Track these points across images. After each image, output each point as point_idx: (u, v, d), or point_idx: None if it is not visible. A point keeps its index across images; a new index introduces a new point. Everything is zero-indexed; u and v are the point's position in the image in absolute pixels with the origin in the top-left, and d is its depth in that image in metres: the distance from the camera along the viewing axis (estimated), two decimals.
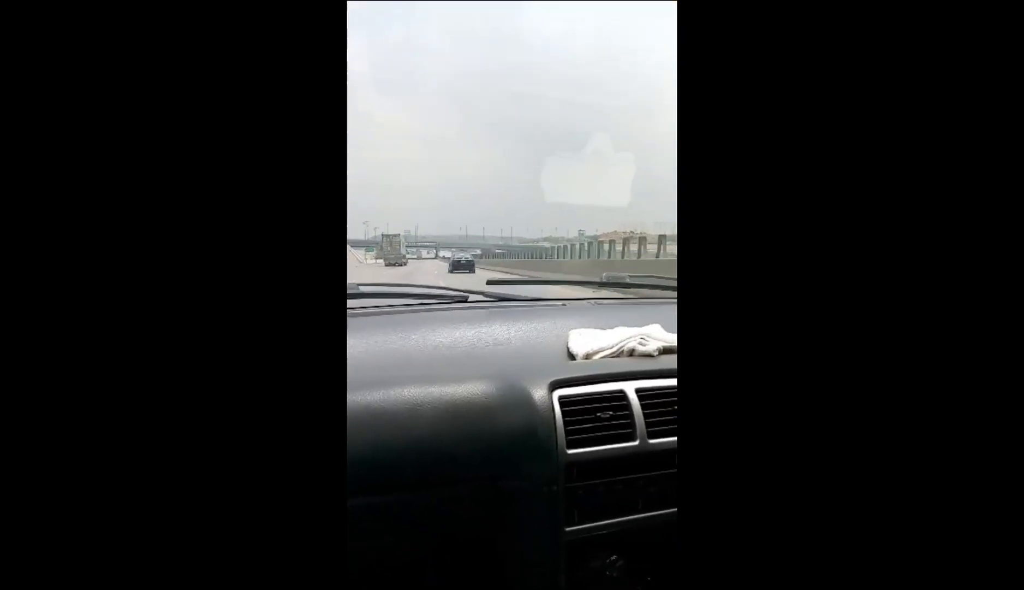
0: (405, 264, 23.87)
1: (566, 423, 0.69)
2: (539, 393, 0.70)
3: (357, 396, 0.64)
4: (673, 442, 0.72)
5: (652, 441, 0.71)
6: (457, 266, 18.59)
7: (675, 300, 1.22)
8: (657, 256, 12.04)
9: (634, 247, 13.65)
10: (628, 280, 1.32)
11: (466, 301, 1.09)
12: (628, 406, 0.72)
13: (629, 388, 0.74)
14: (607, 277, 1.36)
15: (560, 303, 1.15)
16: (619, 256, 13.68)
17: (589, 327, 0.92)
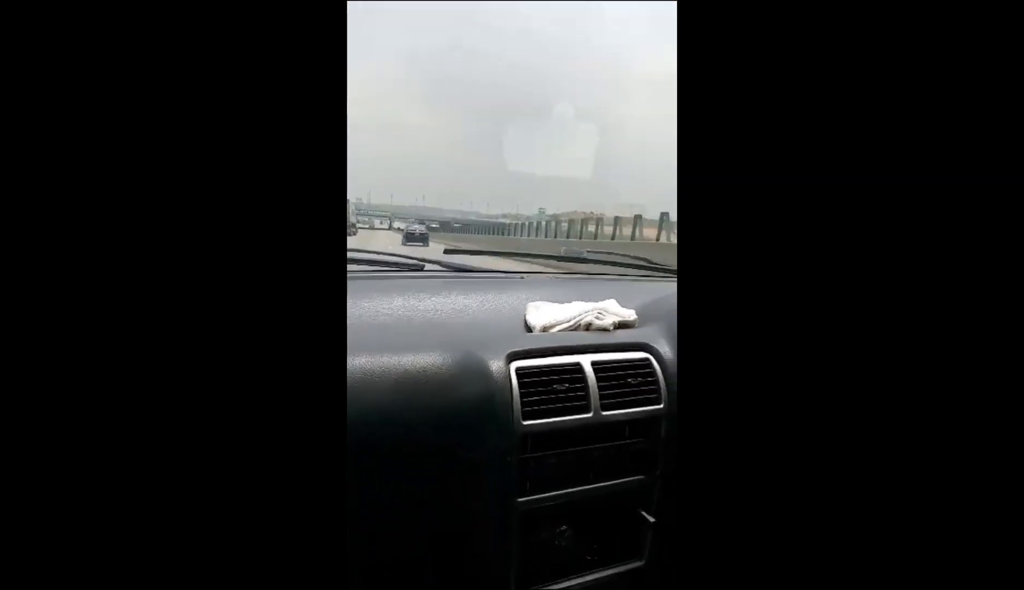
0: (355, 233, 22.94)
1: (522, 394, 0.68)
2: (496, 364, 0.69)
3: None
4: (625, 414, 0.73)
5: (605, 413, 0.72)
6: (411, 238, 18.12)
7: (631, 277, 1.23)
8: (613, 237, 12.28)
9: (591, 228, 13.83)
10: (586, 255, 1.33)
11: (422, 270, 1.06)
12: (584, 379, 0.72)
13: (585, 361, 0.74)
14: (565, 251, 1.36)
15: (518, 276, 1.14)
16: (578, 236, 13.83)
17: (547, 300, 0.91)
